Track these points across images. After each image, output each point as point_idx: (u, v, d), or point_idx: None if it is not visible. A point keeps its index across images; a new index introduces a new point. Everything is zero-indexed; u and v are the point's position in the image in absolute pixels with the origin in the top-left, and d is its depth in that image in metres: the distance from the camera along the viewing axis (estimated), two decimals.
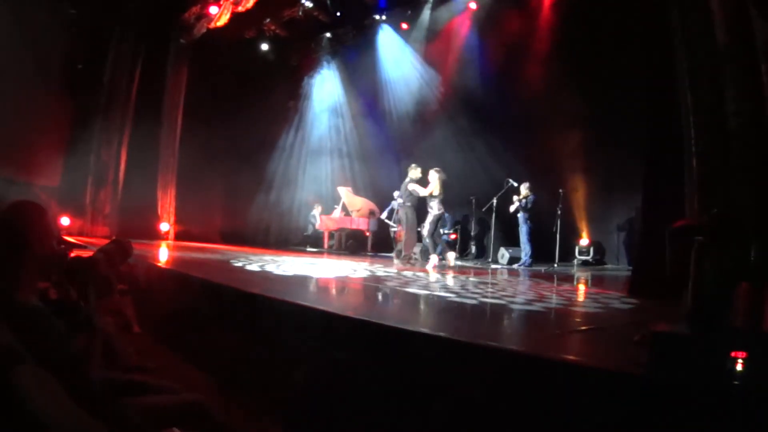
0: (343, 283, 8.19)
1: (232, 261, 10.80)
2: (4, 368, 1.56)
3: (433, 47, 17.78)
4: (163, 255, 11.23)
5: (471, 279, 9.23)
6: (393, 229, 16.55)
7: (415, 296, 6.67)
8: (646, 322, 3.83)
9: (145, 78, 16.54)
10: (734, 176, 5.50)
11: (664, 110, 7.19)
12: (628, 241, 13.66)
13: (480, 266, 13.41)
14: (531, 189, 13.52)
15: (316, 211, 18.57)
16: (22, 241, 2.38)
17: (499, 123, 15.55)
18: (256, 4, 15.37)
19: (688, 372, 2.53)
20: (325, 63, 20.96)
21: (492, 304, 5.96)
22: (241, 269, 9.45)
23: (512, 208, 13.73)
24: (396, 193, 15.54)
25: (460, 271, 11.22)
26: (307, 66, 21.37)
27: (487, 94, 15.82)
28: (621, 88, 12.11)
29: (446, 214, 15.24)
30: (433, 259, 11.71)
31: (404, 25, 18.15)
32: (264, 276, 8.48)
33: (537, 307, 5.73)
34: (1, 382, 1.52)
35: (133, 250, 2.94)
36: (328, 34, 19.78)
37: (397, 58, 18.62)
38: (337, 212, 17.97)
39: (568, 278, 10.60)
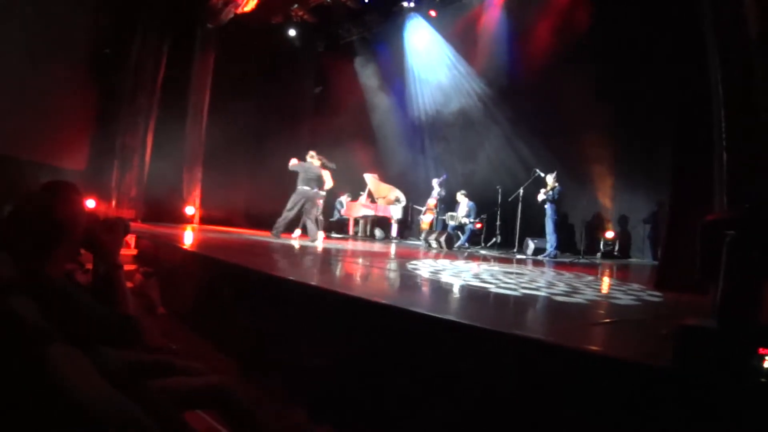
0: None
1: (257, 244, 10.87)
2: (38, 348, 1.57)
3: (461, 35, 17.72)
4: (188, 238, 11.29)
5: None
6: (421, 217, 16.65)
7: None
8: (673, 315, 3.79)
9: (171, 63, 16.57)
10: (765, 170, 5.42)
11: (693, 103, 7.11)
12: (653, 235, 13.56)
13: (505, 256, 13.37)
14: (558, 180, 13.45)
15: (344, 198, 18.56)
16: (59, 222, 2.40)
17: (527, 112, 15.48)
18: None
19: (715, 367, 2.50)
20: (352, 50, 20.92)
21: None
22: (266, 253, 9.51)
23: (540, 198, 13.68)
24: (434, 181, 15.82)
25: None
26: (335, 52, 21.37)
27: (515, 84, 15.78)
28: (651, 79, 11.98)
29: (471, 203, 15.27)
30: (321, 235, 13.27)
31: (432, 13, 18.11)
32: (290, 261, 8.51)
33: (564, 298, 5.70)
34: (35, 362, 1.53)
35: (123, 233, 2.93)
36: (356, 21, 19.71)
37: (426, 45, 18.60)
38: (363, 199, 17.99)
39: (594, 270, 10.53)
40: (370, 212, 17.87)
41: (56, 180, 2.55)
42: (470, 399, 3.35)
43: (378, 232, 18.51)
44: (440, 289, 6.11)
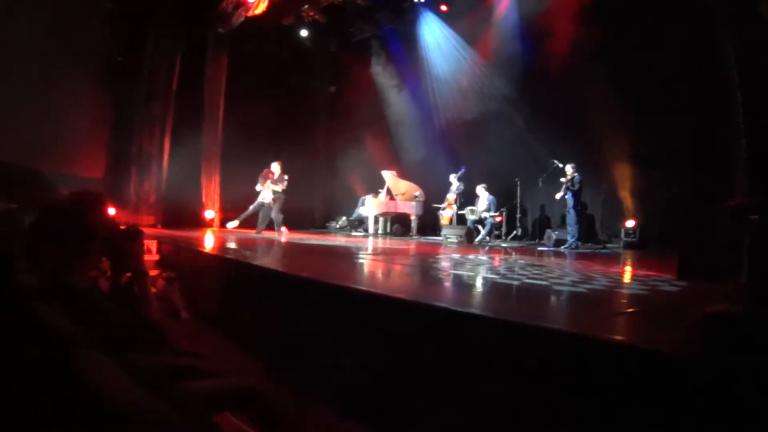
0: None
1: (279, 246, 10.92)
2: (67, 354, 1.58)
3: (474, 29, 17.67)
4: (209, 241, 11.34)
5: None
6: (441, 212, 16.66)
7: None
8: (698, 303, 3.76)
9: (185, 68, 16.71)
10: None
11: (711, 89, 7.07)
12: (675, 223, 13.43)
13: (526, 248, 13.33)
14: (576, 169, 13.37)
15: (368, 197, 18.45)
16: (86, 231, 2.43)
17: (543, 104, 15.37)
18: None
19: (743, 353, 2.48)
20: (365, 48, 20.91)
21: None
22: (289, 253, 9.54)
23: (558, 196, 13.64)
24: (452, 176, 15.89)
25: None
26: (348, 51, 21.39)
27: (530, 75, 15.68)
28: (670, 67, 11.90)
29: (491, 197, 15.23)
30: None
31: (443, 7, 18.08)
32: (313, 261, 8.53)
33: (585, 288, 5.67)
34: (65, 369, 1.54)
35: (133, 239, 3.01)
36: (367, 19, 19.70)
37: (438, 40, 18.59)
38: (382, 196, 17.96)
39: (615, 260, 10.48)
40: (390, 209, 17.86)
41: (81, 190, 2.58)
42: (493, 392, 3.34)
43: (398, 229, 18.50)
44: (463, 284, 6.09)
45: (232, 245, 10.04)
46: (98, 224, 2.53)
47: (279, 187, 14.36)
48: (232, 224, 15.06)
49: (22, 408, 1.47)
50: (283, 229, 14.61)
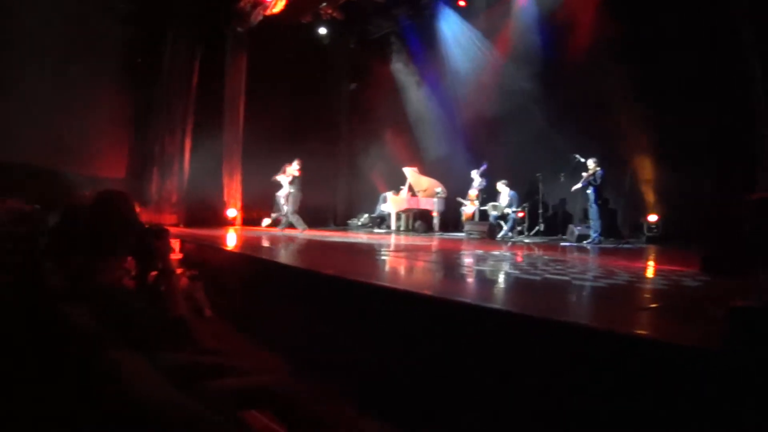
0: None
1: (302, 243, 10.96)
2: (97, 353, 1.59)
3: (492, 23, 17.58)
4: (232, 240, 11.39)
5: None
6: (463, 208, 16.63)
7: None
8: (722, 298, 3.73)
9: (204, 68, 16.79)
10: None
11: (734, 83, 7.00)
12: (698, 217, 13.30)
13: (548, 243, 13.28)
14: (598, 164, 13.30)
15: (389, 194, 18.40)
16: (116, 229, 2.46)
17: (564, 98, 15.24)
18: None
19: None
20: (384, 44, 20.88)
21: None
22: (312, 250, 9.57)
23: (574, 188, 13.59)
24: (474, 172, 15.91)
25: None
26: (367, 48, 21.38)
27: (550, 69, 15.57)
28: (689, 60, 11.79)
29: (512, 192, 15.16)
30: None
31: (462, 2, 18.01)
32: (336, 258, 8.56)
33: (607, 283, 5.64)
34: (95, 368, 1.55)
35: (160, 238, 3.06)
36: (385, 15, 19.68)
37: (458, 35, 18.50)
38: (404, 193, 17.95)
39: (638, 254, 10.41)
40: (411, 206, 17.87)
41: (108, 189, 2.61)
42: (524, 388, 3.34)
43: (420, 225, 18.48)
44: (486, 280, 6.09)
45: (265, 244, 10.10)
46: (126, 223, 2.57)
47: (286, 179, 14.39)
48: (266, 222, 15.42)
49: (54, 407, 1.49)
50: (266, 221, 15.13)
